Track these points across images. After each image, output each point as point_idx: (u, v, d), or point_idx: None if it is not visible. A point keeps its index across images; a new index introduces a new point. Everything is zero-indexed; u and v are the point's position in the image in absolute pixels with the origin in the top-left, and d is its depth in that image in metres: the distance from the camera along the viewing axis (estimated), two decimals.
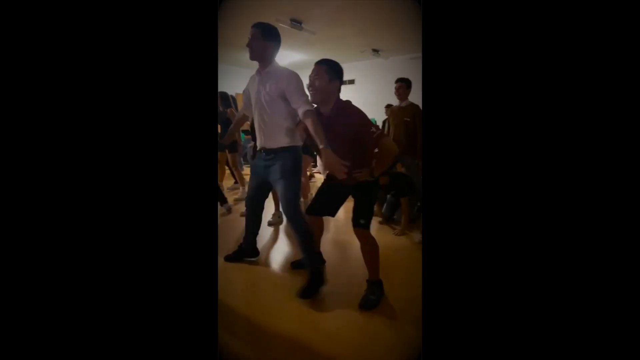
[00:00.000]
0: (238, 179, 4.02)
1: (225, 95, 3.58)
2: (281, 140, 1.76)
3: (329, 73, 1.57)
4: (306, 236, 1.80)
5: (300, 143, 1.82)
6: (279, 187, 1.78)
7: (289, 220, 1.80)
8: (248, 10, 3.82)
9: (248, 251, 2.23)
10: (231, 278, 2.01)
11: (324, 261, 1.91)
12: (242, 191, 3.95)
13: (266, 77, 1.74)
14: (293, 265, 2.16)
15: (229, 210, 3.38)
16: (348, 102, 1.63)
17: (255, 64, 1.77)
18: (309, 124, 1.55)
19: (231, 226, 2.98)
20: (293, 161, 1.78)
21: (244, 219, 3.37)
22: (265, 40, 1.69)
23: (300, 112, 1.61)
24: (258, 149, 1.87)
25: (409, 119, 2.89)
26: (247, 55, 1.74)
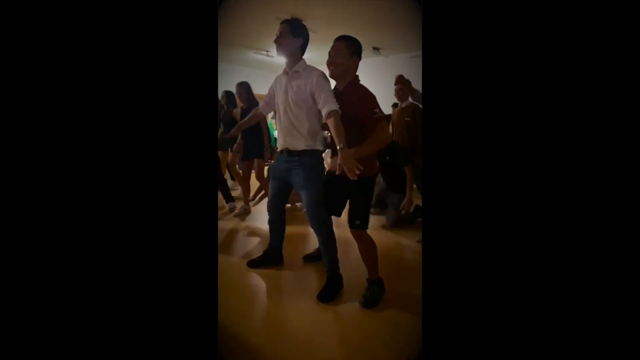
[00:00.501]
0: (237, 179, 4.02)
1: (231, 94, 3.58)
2: (305, 143, 1.73)
3: (350, 48, 1.59)
4: (330, 241, 1.82)
5: (322, 147, 1.81)
6: (304, 193, 1.77)
7: (314, 225, 1.80)
8: (248, 10, 3.81)
9: (273, 257, 2.14)
10: (231, 277, 2.02)
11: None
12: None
13: (294, 76, 1.71)
14: (305, 258, 2.20)
15: (233, 209, 3.38)
16: (363, 85, 1.64)
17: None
18: (331, 123, 1.53)
19: (232, 225, 2.98)
20: (316, 165, 1.77)
21: (243, 217, 3.35)
22: (294, 36, 1.68)
23: (325, 110, 1.58)
24: (279, 150, 1.83)
25: (409, 119, 2.90)
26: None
